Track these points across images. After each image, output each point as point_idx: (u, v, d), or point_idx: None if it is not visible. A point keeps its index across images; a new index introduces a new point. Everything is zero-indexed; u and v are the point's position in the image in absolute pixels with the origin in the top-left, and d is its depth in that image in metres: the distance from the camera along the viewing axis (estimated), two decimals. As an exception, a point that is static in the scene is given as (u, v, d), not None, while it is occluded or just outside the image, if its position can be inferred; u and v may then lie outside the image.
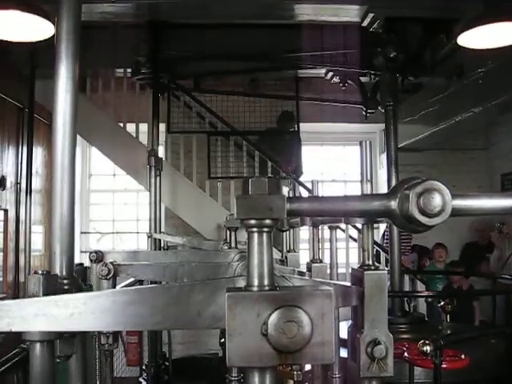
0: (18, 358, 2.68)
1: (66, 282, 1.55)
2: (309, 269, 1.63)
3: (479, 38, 4.29)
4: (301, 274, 1.67)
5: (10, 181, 6.93)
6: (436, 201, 0.89)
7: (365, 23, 5.27)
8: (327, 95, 7.69)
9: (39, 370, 1.34)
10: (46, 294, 1.27)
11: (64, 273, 1.57)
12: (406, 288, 6.39)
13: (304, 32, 6.04)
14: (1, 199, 6.70)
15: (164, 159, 7.34)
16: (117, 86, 7.35)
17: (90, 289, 2.27)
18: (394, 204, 0.92)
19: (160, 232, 6.17)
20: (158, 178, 6.21)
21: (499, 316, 5.88)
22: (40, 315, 0.95)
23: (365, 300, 0.98)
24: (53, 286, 1.33)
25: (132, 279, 2.80)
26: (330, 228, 1.71)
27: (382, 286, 0.99)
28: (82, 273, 3.62)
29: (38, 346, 1.34)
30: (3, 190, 6.74)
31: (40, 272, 1.31)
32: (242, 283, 0.93)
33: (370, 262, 1.06)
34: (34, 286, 1.28)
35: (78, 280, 1.66)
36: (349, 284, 1.06)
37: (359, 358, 0.98)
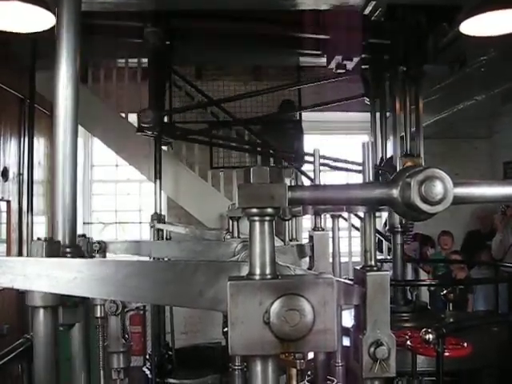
0: (22, 348, 2.69)
1: (68, 250, 1.54)
2: (310, 239, 1.63)
3: (481, 25, 4.27)
4: (301, 247, 1.67)
5: (12, 172, 6.94)
6: (438, 188, 0.89)
7: (367, 11, 5.24)
8: (329, 84, 7.67)
9: (42, 335, 1.35)
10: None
11: (67, 241, 1.56)
12: (409, 276, 6.40)
13: (306, 20, 6.02)
14: (3, 190, 6.71)
15: (166, 149, 7.35)
16: (118, 76, 7.34)
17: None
18: (395, 192, 0.92)
19: (163, 222, 6.18)
20: (160, 168, 6.22)
21: (501, 304, 5.90)
22: (43, 276, 0.95)
23: (367, 301, 0.98)
24: (55, 252, 1.32)
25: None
26: (331, 217, 1.71)
27: (385, 287, 0.99)
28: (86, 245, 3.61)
29: (41, 311, 1.35)
30: (6, 181, 6.75)
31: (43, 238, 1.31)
32: (246, 269, 0.93)
33: (373, 263, 1.06)
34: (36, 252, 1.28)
35: (80, 249, 1.65)
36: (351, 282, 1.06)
37: (361, 359, 0.98)
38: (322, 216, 1.71)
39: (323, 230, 1.64)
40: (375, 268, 1.03)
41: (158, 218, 6.06)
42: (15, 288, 0.95)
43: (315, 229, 1.63)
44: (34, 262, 0.97)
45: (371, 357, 0.98)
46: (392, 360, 0.98)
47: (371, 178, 1.05)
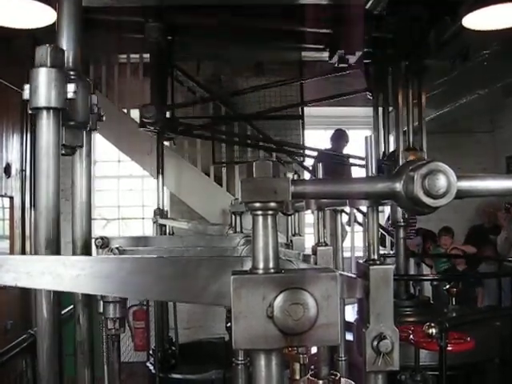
0: (26, 343, 2.69)
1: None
2: (314, 252, 1.63)
3: (484, 19, 4.25)
4: (306, 257, 1.67)
5: (15, 168, 6.95)
6: (441, 182, 0.89)
7: (368, 5, 5.22)
8: (332, 79, 7.65)
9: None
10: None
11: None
12: (412, 271, 6.40)
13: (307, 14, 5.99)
14: (6, 187, 6.72)
15: (168, 145, 7.34)
16: (120, 71, 7.33)
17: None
18: (398, 186, 0.92)
19: (165, 217, 6.18)
20: (162, 164, 6.22)
21: (505, 299, 5.89)
22: (46, 273, 0.95)
23: (370, 294, 0.97)
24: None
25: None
26: (334, 212, 1.71)
27: (388, 280, 0.98)
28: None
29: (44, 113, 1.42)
30: (8, 177, 6.76)
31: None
32: (249, 263, 0.93)
33: (376, 257, 1.05)
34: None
35: None
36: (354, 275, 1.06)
37: (365, 353, 0.98)
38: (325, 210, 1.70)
39: (327, 245, 1.63)
40: (378, 262, 1.03)
41: (160, 213, 6.06)
42: (19, 286, 0.95)
43: (319, 244, 1.63)
44: (36, 259, 0.97)
45: (374, 350, 0.97)
46: (395, 353, 0.98)
47: (374, 172, 1.04)
